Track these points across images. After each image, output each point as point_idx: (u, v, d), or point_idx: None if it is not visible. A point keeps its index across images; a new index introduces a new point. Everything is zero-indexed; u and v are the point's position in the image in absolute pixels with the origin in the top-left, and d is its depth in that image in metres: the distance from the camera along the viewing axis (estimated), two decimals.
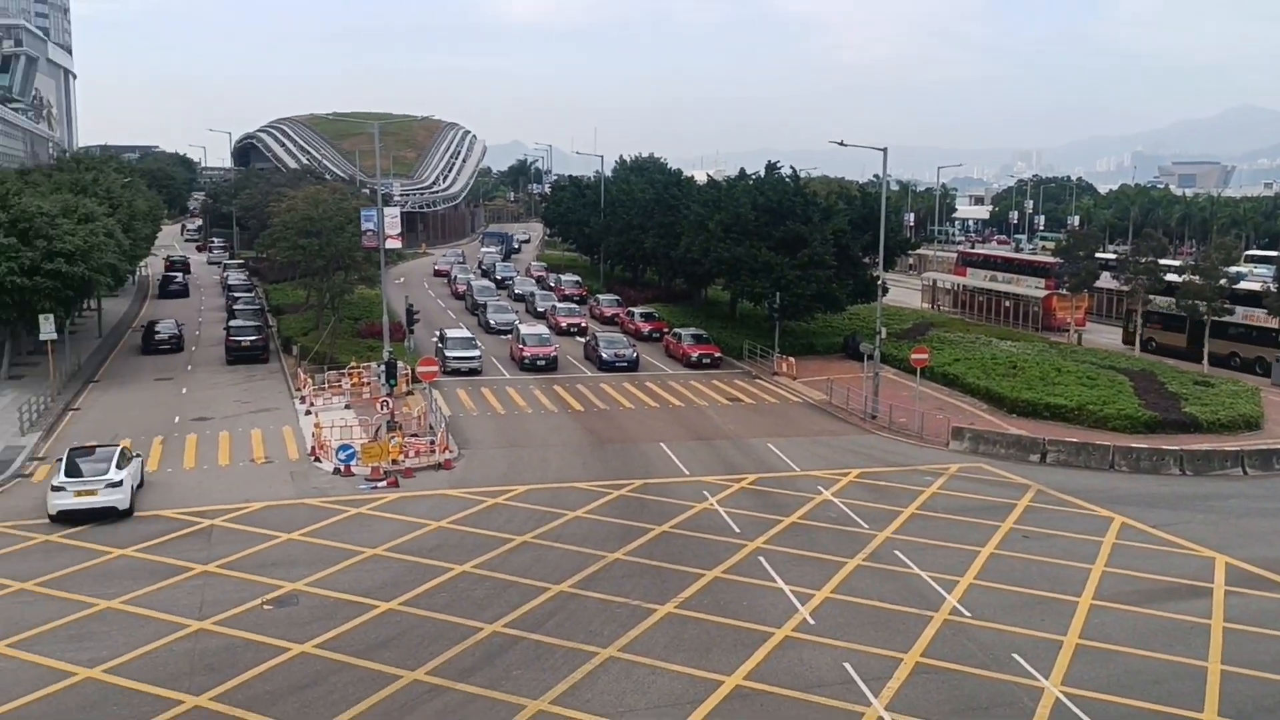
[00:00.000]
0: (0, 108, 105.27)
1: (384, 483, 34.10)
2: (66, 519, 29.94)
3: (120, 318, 71.07)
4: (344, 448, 35.62)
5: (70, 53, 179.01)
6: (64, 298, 47.29)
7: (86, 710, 19.63)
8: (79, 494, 29.87)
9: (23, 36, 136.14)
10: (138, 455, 34.01)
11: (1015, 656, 22.24)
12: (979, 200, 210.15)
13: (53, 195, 52.05)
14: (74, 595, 24.84)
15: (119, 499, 30.29)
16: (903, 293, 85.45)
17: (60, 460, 31.62)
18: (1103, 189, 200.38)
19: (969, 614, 24.40)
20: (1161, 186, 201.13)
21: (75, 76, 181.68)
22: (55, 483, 30.25)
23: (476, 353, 53.03)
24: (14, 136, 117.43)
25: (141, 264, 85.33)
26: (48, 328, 45.29)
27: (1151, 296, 58.94)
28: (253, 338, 56.49)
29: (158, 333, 59.21)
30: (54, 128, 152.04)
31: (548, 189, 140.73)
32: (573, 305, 70.41)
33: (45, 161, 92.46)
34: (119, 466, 30.81)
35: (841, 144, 46.07)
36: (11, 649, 22.06)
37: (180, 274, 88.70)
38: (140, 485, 32.86)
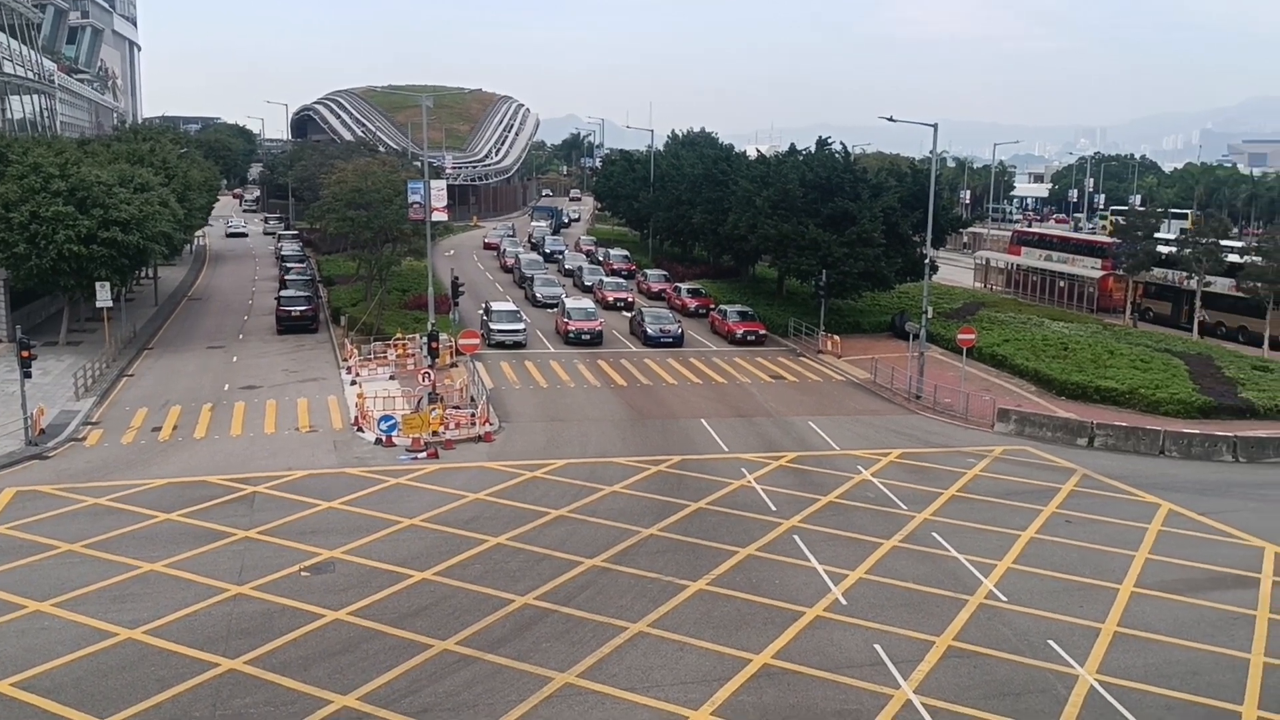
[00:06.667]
0: (66, 78, 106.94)
1: (424, 454, 34.41)
2: None
3: (176, 286, 72.29)
4: (386, 418, 35.96)
5: (135, 25, 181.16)
6: (119, 266, 48.22)
7: (126, 670, 20.08)
8: None
9: (89, 8, 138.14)
10: None
11: (1051, 643, 21.94)
12: (1038, 178, 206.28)
13: (110, 165, 52.90)
14: (119, 557, 25.39)
15: None
16: (955, 271, 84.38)
17: None
18: (1168, 168, 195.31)
19: (1005, 599, 24.10)
20: (1230, 165, 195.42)
21: (140, 48, 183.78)
22: None
23: (521, 326, 53.19)
24: (79, 107, 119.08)
25: (199, 233, 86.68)
26: (104, 295, 46.22)
27: (1211, 279, 57.54)
28: (303, 308, 57.21)
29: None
30: (118, 99, 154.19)
31: (599, 163, 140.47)
32: (620, 280, 70.27)
33: (108, 132, 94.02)
34: None
35: (891, 119, 45.44)
36: (57, 608, 22.61)
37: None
38: None
